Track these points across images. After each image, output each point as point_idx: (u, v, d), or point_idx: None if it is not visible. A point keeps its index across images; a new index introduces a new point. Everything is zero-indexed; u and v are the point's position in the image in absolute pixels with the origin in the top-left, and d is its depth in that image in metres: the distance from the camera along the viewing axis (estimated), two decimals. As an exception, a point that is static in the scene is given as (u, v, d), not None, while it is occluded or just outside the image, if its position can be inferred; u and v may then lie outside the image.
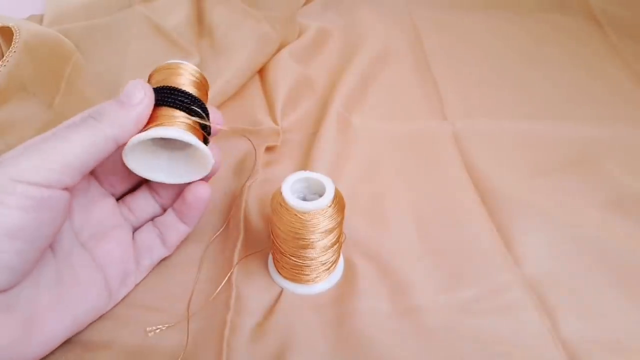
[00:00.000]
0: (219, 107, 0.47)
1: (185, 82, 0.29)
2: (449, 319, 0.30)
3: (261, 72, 0.52)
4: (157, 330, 0.29)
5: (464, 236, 0.35)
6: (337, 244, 0.31)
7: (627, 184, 0.40)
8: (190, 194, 0.30)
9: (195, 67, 0.30)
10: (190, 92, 0.29)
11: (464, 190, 0.39)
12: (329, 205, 0.28)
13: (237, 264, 0.32)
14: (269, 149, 0.43)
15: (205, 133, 0.30)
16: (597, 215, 0.37)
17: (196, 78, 0.30)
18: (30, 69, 0.39)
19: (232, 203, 0.37)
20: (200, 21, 0.57)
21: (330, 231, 0.29)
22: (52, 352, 0.26)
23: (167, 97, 0.28)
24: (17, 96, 0.38)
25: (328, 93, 0.49)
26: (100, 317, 0.29)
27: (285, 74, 0.50)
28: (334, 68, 0.53)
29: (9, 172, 0.22)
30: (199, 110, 0.29)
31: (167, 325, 0.29)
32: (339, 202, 0.29)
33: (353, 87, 0.49)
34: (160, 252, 0.31)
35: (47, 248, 0.24)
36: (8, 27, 0.39)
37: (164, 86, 0.28)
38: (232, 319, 0.29)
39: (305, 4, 0.65)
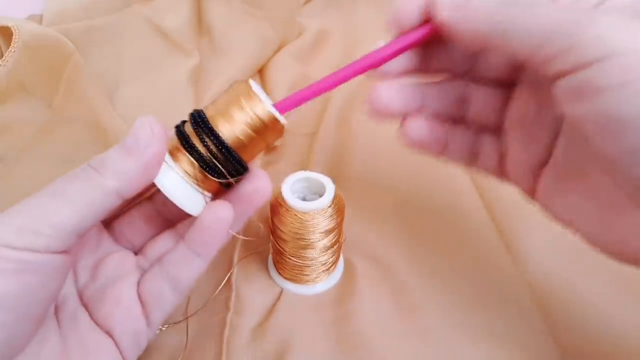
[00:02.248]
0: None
1: (237, 121, 0.22)
2: (449, 318, 0.30)
3: (261, 72, 0.52)
4: (157, 331, 0.29)
5: (465, 236, 0.35)
6: (337, 245, 0.31)
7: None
8: (208, 215, 0.23)
9: (264, 105, 0.22)
10: (223, 141, 0.22)
11: (465, 190, 0.39)
12: (328, 205, 0.28)
13: (237, 264, 0.32)
14: (269, 149, 0.43)
15: (222, 183, 0.24)
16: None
17: (254, 121, 0.22)
18: (29, 69, 0.39)
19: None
20: (200, 21, 0.57)
21: (330, 231, 0.29)
22: None
23: (187, 139, 0.22)
24: (16, 96, 0.38)
25: (328, 93, 0.49)
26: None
27: (285, 74, 0.50)
28: (334, 68, 0.53)
29: None
30: (218, 167, 0.23)
31: (167, 325, 0.29)
32: (338, 203, 0.29)
33: (353, 87, 0.49)
34: (171, 300, 0.24)
35: (42, 318, 0.21)
36: (7, 27, 0.39)
37: (195, 118, 0.23)
38: (232, 320, 0.29)
39: (305, 3, 0.65)
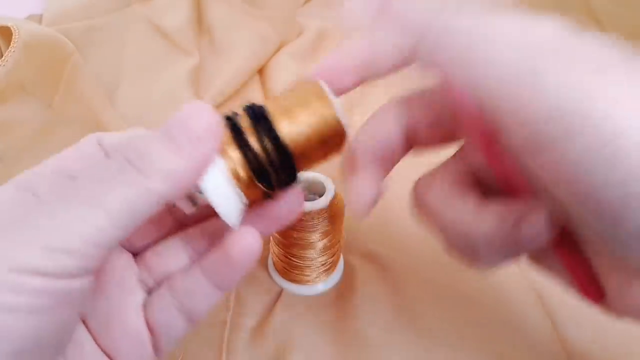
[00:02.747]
0: (219, 107, 0.47)
1: (301, 123, 0.19)
2: (449, 319, 0.30)
3: (261, 72, 0.52)
4: None
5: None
6: (337, 245, 0.31)
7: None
8: (235, 245, 0.19)
9: (335, 110, 0.19)
10: (283, 142, 0.19)
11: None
12: (328, 205, 0.28)
13: (236, 264, 0.32)
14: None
15: (268, 191, 0.20)
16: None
17: (320, 126, 0.19)
18: (29, 69, 0.38)
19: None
20: (199, 21, 0.57)
21: (330, 231, 0.29)
22: None
23: (241, 134, 0.19)
24: (16, 96, 0.38)
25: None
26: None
27: (285, 74, 0.50)
28: (334, 68, 0.53)
29: (5, 257, 0.14)
30: (270, 173, 0.19)
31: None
32: (338, 203, 0.29)
33: (353, 87, 0.49)
34: (184, 330, 0.21)
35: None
36: (7, 27, 0.39)
37: (254, 112, 0.19)
38: (231, 320, 0.29)
39: (305, 3, 0.65)
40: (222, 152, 0.18)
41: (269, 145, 0.19)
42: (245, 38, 0.52)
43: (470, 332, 0.29)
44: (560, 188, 0.16)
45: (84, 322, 0.20)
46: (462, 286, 0.32)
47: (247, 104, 0.20)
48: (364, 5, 0.19)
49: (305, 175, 0.30)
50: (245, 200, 0.19)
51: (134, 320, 0.20)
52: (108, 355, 0.19)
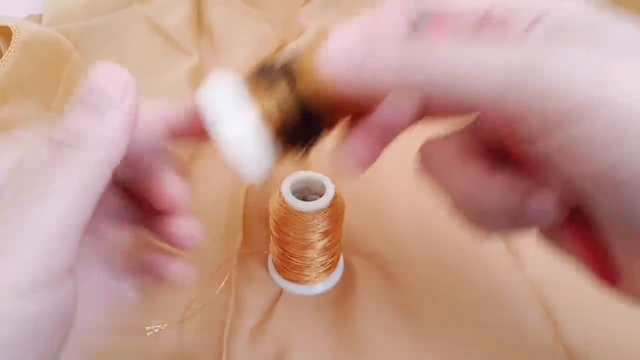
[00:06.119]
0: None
1: None
2: (449, 319, 0.30)
3: (261, 72, 0.53)
4: (156, 330, 0.29)
5: (465, 236, 0.35)
6: (337, 245, 0.31)
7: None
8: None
9: None
10: (305, 96, 0.18)
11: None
12: (328, 205, 0.28)
13: (237, 264, 0.32)
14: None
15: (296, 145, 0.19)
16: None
17: None
18: (29, 69, 0.38)
19: (232, 203, 0.37)
20: (200, 21, 0.57)
21: (330, 232, 0.29)
22: None
23: (269, 69, 0.18)
24: (16, 96, 0.38)
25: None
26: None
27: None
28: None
29: None
30: (290, 126, 0.18)
31: (165, 325, 0.29)
32: (338, 203, 0.29)
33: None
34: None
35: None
36: (7, 27, 0.39)
37: (283, 62, 0.19)
38: (231, 320, 0.29)
39: (305, 4, 0.65)
40: (253, 101, 0.18)
41: (291, 97, 0.17)
42: (245, 38, 0.52)
43: (470, 333, 0.29)
44: (572, 168, 0.15)
45: None
46: (462, 286, 0.32)
47: (278, 56, 0.19)
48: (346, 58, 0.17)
49: (305, 175, 0.30)
50: (270, 151, 0.18)
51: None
52: None
